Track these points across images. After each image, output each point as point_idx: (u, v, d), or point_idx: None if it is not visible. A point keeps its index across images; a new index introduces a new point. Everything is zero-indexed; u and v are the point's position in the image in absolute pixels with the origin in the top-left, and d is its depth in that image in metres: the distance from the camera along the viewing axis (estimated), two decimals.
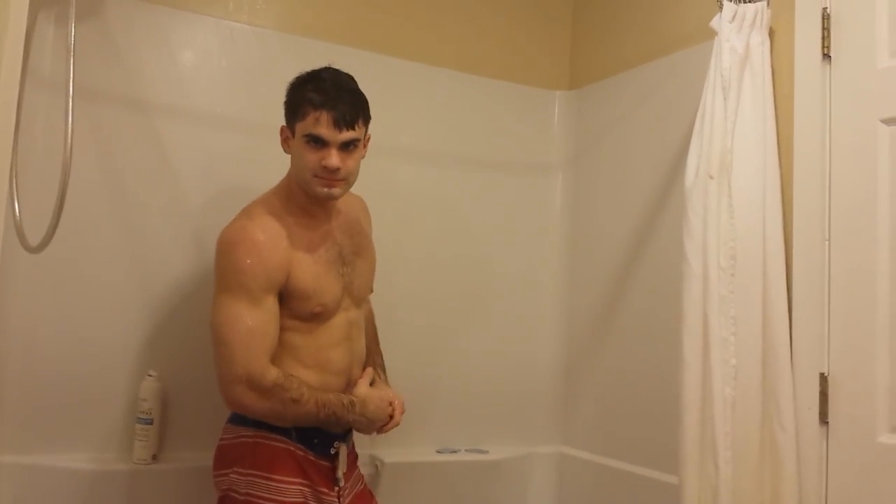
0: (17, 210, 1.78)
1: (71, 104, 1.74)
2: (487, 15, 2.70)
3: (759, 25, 1.94)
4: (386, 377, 2.04)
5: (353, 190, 1.89)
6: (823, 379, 1.81)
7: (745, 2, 1.96)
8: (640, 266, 2.38)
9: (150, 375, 2.06)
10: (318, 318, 1.81)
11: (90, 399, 2.05)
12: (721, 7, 1.96)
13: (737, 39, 1.93)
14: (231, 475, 1.75)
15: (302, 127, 1.77)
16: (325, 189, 1.78)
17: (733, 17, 1.94)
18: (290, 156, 1.84)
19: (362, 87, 2.26)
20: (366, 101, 1.83)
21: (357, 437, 1.93)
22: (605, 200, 2.58)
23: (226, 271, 1.75)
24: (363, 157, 1.86)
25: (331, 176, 1.77)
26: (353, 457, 1.92)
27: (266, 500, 1.70)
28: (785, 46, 1.96)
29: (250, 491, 1.71)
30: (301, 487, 1.74)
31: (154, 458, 2.05)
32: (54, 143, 1.81)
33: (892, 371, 1.70)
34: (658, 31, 2.44)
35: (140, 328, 2.11)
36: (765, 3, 1.95)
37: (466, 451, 2.43)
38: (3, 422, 1.93)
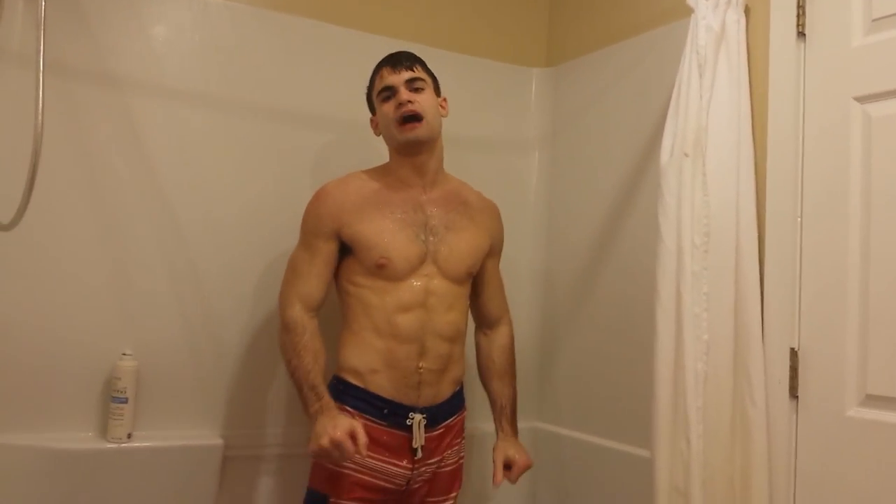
0: None
1: (41, 79, 1.72)
2: None
3: (735, 3, 1.94)
4: (513, 428, 2.12)
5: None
6: (794, 354, 1.83)
7: None
8: (616, 243, 2.39)
9: (125, 355, 2.05)
10: (385, 273, 1.90)
11: (65, 378, 2.03)
12: None
13: (713, 17, 1.94)
14: None
15: (375, 92, 2.01)
16: (409, 132, 1.93)
17: None
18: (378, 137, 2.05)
19: (333, 61, 2.27)
20: (424, 62, 2.03)
21: (471, 410, 2.05)
22: (582, 178, 2.58)
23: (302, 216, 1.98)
24: (444, 115, 2.04)
25: (407, 110, 1.92)
26: (450, 437, 1.99)
27: (341, 467, 1.82)
28: (760, 24, 1.96)
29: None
30: (369, 458, 1.81)
31: (129, 436, 2.04)
32: (24, 119, 1.78)
33: (861, 346, 1.72)
34: (636, 8, 2.43)
35: (115, 307, 2.10)
36: None
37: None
38: None
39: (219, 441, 2.14)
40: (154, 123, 2.16)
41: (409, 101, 1.92)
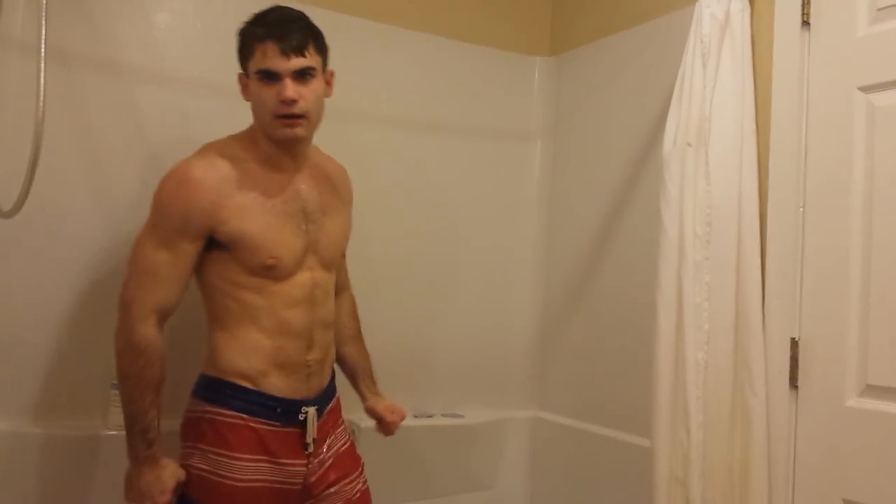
0: None
1: (43, 66, 1.71)
2: None
3: None
4: (376, 386, 2.05)
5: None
6: (794, 344, 1.83)
7: None
8: (618, 233, 2.39)
9: None
10: (273, 273, 1.71)
11: (64, 365, 2.03)
12: None
13: (717, 6, 1.93)
14: (195, 450, 1.71)
15: (253, 64, 1.70)
16: (288, 129, 1.69)
17: None
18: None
19: (337, 50, 2.22)
20: (318, 32, 1.74)
21: (344, 397, 1.94)
22: (584, 168, 2.58)
23: (152, 203, 1.70)
24: (328, 95, 1.78)
25: (289, 111, 1.67)
26: (332, 419, 1.88)
27: (225, 479, 1.67)
28: (765, 13, 1.95)
29: (208, 467, 1.68)
30: (258, 464, 1.69)
31: None
32: (26, 106, 1.78)
33: (862, 336, 1.72)
34: None
35: (114, 292, 2.08)
36: None
37: (442, 415, 2.44)
38: None
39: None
40: (155, 111, 2.15)
41: (295, 101, 1.67)
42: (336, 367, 1.96)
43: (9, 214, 1.73)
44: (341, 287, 2.04)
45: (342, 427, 1.93)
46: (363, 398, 2.05)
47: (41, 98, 1.69)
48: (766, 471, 1.80)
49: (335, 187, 1.91)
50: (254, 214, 1.69)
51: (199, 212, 1.66)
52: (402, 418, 2.03)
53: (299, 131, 1.71)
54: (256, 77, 1.70)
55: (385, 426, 2.02)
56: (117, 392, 2.01)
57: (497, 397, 2.61)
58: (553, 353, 2.63)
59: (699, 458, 1.79)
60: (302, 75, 1.68)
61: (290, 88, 1.66)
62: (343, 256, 2.02)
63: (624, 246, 2.36)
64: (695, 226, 1.85)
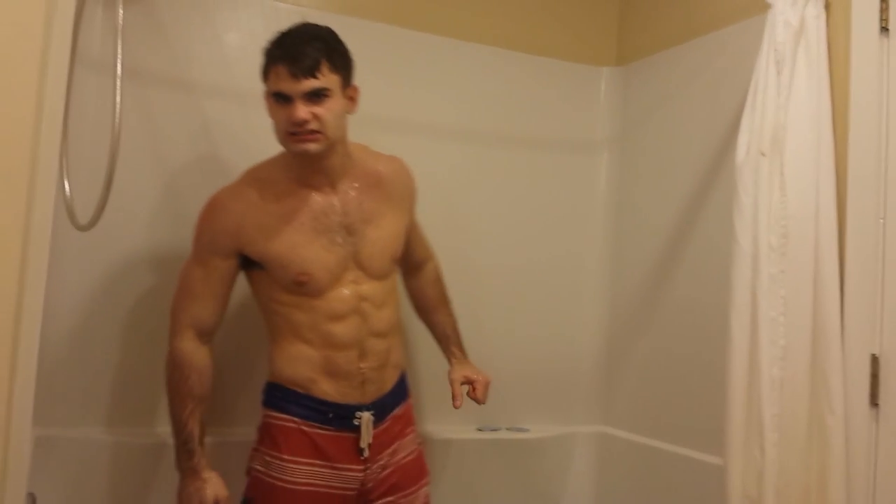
0: (67, 189, 1.82)
1: (119, 84, 1.76)
2: None
3: None
4: (462, 351, 2.08)
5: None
6: (874, 360, 1.76)
7: None
8: (688, 245, 2.34)
9: None
10: (306, 289, 1.75)
11: (138, 374, 2.09)
12: None
13: (791, 13, 1.88)
14: (256, 453, 1.80)
15: (267, 87, 1.73)
16: (300, 146, 1.70)
17: None
18: None
19: (404, 65, 2.23)
20: (335, 49, 1.74)
21: (416, 405, 1.97)
22: (652, 179, 2.54)
23: (194, 228, 1.81)
24: (351, 111, 1.79)
25: (299, 130, 1.68)
26: (398, 427, 1.89)
27: (276, 480, 1.74)
28: (841, 19, 1.90)
29: (264, 468, 1.76)
30: (312, 467, 1.75)
31: None
32: (103, 123, 1.84)
33: None
34: (709, 5, 2.38)
35: None
36: None
37: (507, 429, 2.43)
38: (52, 396, 1.97)
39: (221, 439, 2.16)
40: (226, 126, 2.20)
41: (306, 121, 1.68)
42: (414, 371, 2.04)
43: (85, 228, 1.78)
44: (421, 260, 2.10)
45: (410, 436, 1.94)
46: (449, 361, 2.08)
47: (117, 115, 1.74)
48: (845, 492, 1.73)
49: (384, 190, 1.89)
50: (279, 233, 1.74)
51: (223, 233, 1.75)
52: (484, 390, 2.03)
53: (311, 146, 1.71)
54: (272, 99, 1.73)
55: (455, 396, 1.99)
56: None
57: (563, 412, 2.58)
58: (620, 367, 2.59)
59: (774, 478, 1.74)
60: (314, 96, 1.69)
61: (301, 110, 1.67)
62: (421, 234, 2.08)
63: (695, 257, 2.31)
64: (769, 237, 1.80)
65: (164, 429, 2.08)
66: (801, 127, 1.84)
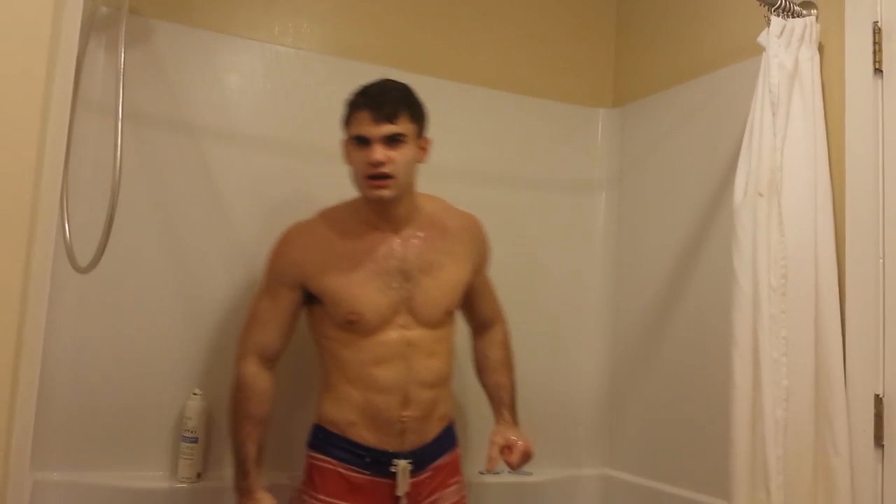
0: (67, 231, 1.81)
1: (120, 127, 1.77)
2: (529, 33, 2.70)
3: (808, 40, 1.91)
4: (513, 416, 2.04)
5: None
6: (878, 401, 1.75)
7: (793, 17, 1.93)
8: (687, 286, 2.34)
9: (195, 394, 2.08)
10: (356, 328, 1.81)
11: (136, 417, 2.07)
12: (769, 22, 1.92)
13: (785, 55, 1.90)
14: (298, 492, 1.87)
15: (349, 130, 1.84)
16: (375, 191, 1.80)
17: (781, 32, 1.91)
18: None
19: None
20: (413, 102, 1.85)
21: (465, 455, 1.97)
22: (651, 219, 2.55)
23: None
24: (421, 160, 1.89)
25: (376, 171, 1.78)
26: (439, 478, 1.90)
27: None
28: (835, 61, 1.92)
29: None
30: None
31: (199, 476, 2.06)
32: (104, 166, 1.84)
33: None
34: (704, 47, 2.41)
35: (186, 347, 2.13)
36: (813, 17, 1.92)
37: (509, 472, 2.39)
38: (51, 439, 1.95)
39: (286, 480, 2.14)
40: (227, 168, 2.21)
41: (382, 163, 1.77)
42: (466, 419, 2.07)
43: (85, 270, 1.77)
44: (488, 321, 2.11)
45: (454, 487, 1.94)
46: (496, 421, 2.05)
47: (118, 157, 1.74)
48: None
49: (448, 243, 1.94)
50: (339, 271, 1.82)
51: (290, 264, 1.86)
52: (521, 456, 1.96)
53: (385, 193, 1.80)
54: (352, 142, 1.84)
55: (490, 458, 1.94)
56: (188, 445, 2.05)
57: (566, 454, 2.55)
58: (623, 410, 2.57)
59: None
60: (392, 141, 1.79)
61: (378, 152, 1.77)
62: (491, 294, 2.11)
63: (695, 299, 2.31)
64: (769, 278, 1.80)
65: (161, 472, 2.07)
66: (797, 168, 1.85)
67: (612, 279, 2.67)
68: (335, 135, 2.35)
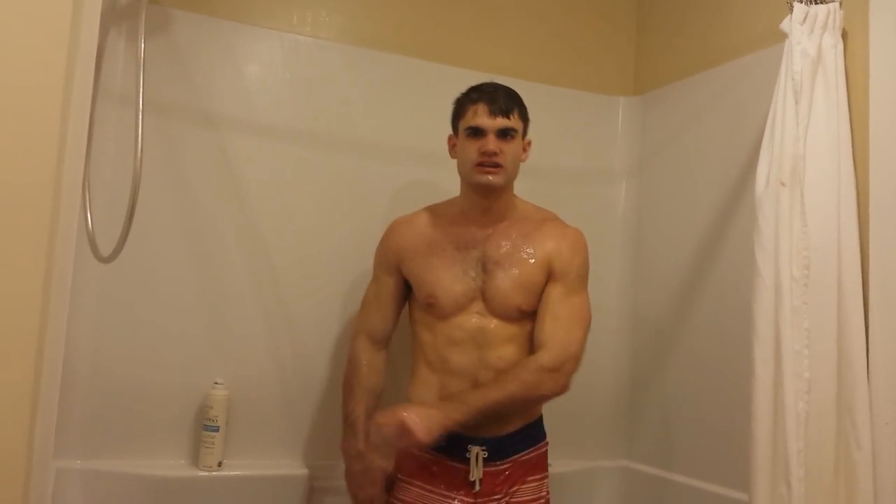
0: (89, 221, 1.83)
1: (141, 117, 1.78)
2: (549, 21, 2.68)
3: (831, 27, 1.88)
4: (459, 406, 1.84)
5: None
6: None
7: (816, 3, 1.90)
8: (708, 276, 2.32)
9: (216, 384, 2.09)
10: (435, 311, 1.92)
11: (158, 406, 2.09)
12: (791, 9, 1.90)
13: (808, 42, 1.87)
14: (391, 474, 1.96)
15: (463, 123, 1.93)
16: (485, 176, 1.88)
17: (804, 19, 1.88)
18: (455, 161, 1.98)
19: (422, 96, 2.24)
20: (522, 103, 1.96)
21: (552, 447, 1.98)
22: (671, 209, 2.53)
23: None
24: (523, 159, 1.97)
25: (489, 160, 1.87)
26: (522, 471, 1.89)
27: (394, 498, 1.91)
28: (859, 48, 1.89)
29: (393, 489, 1.93)
30: (423, 491, 1.87)
31: (220, 464, 2.08)
32: (125, 156, 1.86)
33: None
34: (725, 35, 2.38)
35: (207, 337, 2.15)
36: (837, 4, 1.89)
37: None
38: (73, 428, 1.98)
39: (304, 471, 2.16)
40: (247, 159, 2.22)
41: (495, 153, 1.88)
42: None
43: (107, 260, 1.79)
44: (539, 345, 1.88)
45: (535, 484, 1.93)
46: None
47: (139, 148, 1.76)
48: None
49: (531, 244, 1.93)
50: (424, 256, 1.96)
51: (390, 251, 2.02)
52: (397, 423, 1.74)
53: (493, 179, 1.89)
54: (465, 133, 1.92)
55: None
56: (209, 434, 2.07)
57: (585, 446, 2.54)
58: (643, 401, 2.56)
59: None
60: (504, 134, 1.90)
61: (493, 143, 1.88)
62: (554, 315, 1.89)
63: (716, 289, 2.29)
64: (792, 269, 1.78)
65: (183, 461, 2.09)
66: (820, 157, 1.83)
67: (631, 269, 2.65)
68: (354, 124, 2.36)
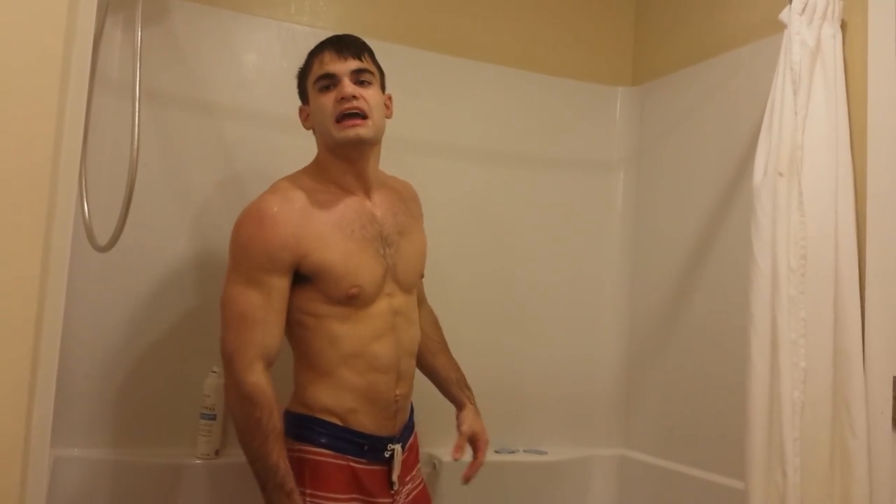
0: (86, 210, 1.83)
1: (137, 106, 1.78)
2: (547, 11, 2.67)
3: (830, 17, 1.88)
4: (471, 394, 1.95)
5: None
6: None
7: None
8: (706, 266, 2.33)
9: (213, 372, 2.09)
10: (355, 302, 1.65)
11: (155, 395, 2.09)
12: None
13: (807, 32, 1.87)
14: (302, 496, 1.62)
15: (311, 77, 1.73)
16: (352, 129, 1.65)
17: (803, 9, 1.88)
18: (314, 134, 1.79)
19: (422, 85, 2.22)
20: (372, 51, 1.77)
21: (422, 434, 1.91)
22: (669, 199, 2.53)
23: (231, 246, 1.66)
24: (388, 116, 1.77)
25: (350, 106, 1.65)
26: (412, 457, 1.85)
27: None
28: (858, 39, 1.89)
29: None
30: (351, 503, 1.65)
31: (217, 452, 2.09)
32: (121, 145, 1.85)
33: None
34: (724, 25, 2.38)
35: (204, 325, 2.14)
36: None
37: (525, 451, 2.40)
38: (71, 416, 1.98)
39: None
40: (244, 147, 2.21)
41: (354, 97, 1.65)
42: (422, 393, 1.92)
43: (104, 249, 1.79)
44: (422, 300, 1.99)
45: (419, 466, 1.89)
46: (461, 405, 1.93)
47: (135, 136, 1.75)
48: None
49: (407, 207, 1.86)
50: (334, 242, 1.66)
51: (282, 246, 1.61)
52: (485, 448, 1.92)
53: (362, 131, 1.67)
54: (317, 89, 1.71)
55: (458, 447, 1.86)
56: (206, 422, 2.06)
57: (582, 434, 2.56)
58: (640, 389, 2.57)
59: (796, 502, 1.71)
60: (360, 79, 1.70)
61: (349, 86, 1.67)
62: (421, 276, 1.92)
63: (714, 278, 2.30)
64: (789, 258, 1.78)
65: (180, 449, 2.10)
66: (818, 147, 1.83)
67: (629, 259, 2.66)
68: None
